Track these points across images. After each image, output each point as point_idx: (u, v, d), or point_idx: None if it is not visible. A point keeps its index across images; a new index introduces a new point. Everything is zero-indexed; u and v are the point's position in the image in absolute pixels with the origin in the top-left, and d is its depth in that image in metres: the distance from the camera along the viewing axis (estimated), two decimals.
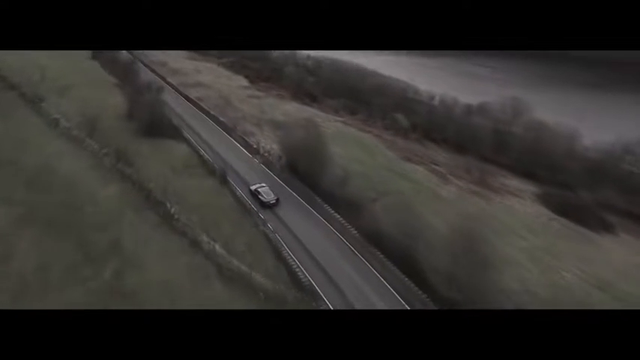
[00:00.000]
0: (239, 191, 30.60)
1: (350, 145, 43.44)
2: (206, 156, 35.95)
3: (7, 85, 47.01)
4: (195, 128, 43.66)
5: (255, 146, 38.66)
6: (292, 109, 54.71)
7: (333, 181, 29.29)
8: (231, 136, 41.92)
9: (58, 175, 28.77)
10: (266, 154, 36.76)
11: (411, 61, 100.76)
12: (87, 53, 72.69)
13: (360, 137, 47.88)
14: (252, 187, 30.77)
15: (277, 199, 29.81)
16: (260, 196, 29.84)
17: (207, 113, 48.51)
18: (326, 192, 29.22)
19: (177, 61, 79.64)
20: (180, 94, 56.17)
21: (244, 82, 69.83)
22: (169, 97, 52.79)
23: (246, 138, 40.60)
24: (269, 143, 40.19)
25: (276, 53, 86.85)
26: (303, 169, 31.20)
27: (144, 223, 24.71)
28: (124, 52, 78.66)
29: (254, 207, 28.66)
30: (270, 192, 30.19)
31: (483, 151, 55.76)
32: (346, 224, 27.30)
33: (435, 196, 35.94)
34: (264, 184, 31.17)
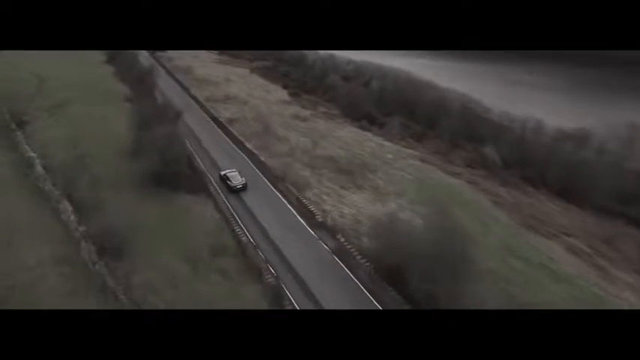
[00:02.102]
0: None
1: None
2: (247, 236, 22.51)
3: None
4: (225, 170, 30.87)
5: (318, 215, 24.42)
6: (351, 137, 41.51)
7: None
8: (275, 186, 28.93)
9: None
10: (339, 237, 22.33)
11: (435, 65, 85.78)
12: (101, 56, 62.32)
13: (452, 187, 34.10)
14: (222, 173, 29.27)
15: (245, 184, 28.06)
16: (228, 181, 28.19)
17: (241, 145, 35.95)
18: None
19: (205, 65, 68.10)
20: (207, 113, 43.92)
21: (284, 94, 57.39)
22: (192, 118, 40.61)
23: (299, 195, 27.03)
24: (335, 203, 26.87)
25: (312, 56, 74.40)
26: (416, 282, 17.43)
27: None
28: (144, 53, 68.34)
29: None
30: (238, 176, 28.63)
31: (601, 198, 41.19)
32: None
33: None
34: (234, 170, 29.38)
